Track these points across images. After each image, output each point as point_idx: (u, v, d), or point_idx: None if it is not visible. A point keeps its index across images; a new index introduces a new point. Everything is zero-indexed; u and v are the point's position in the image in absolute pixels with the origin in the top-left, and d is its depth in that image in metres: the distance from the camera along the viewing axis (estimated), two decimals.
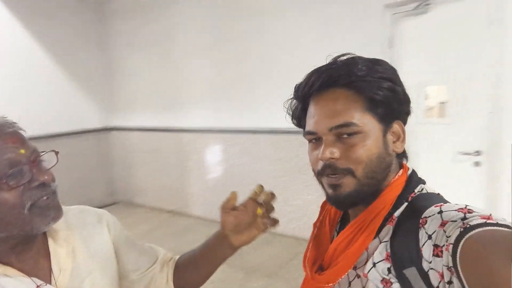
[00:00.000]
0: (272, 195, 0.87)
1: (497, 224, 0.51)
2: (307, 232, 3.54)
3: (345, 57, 0.69)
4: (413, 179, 0.70)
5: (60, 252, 0.74)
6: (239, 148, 3.85)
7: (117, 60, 4.90)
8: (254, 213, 0.86)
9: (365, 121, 0.65)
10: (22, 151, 0.66)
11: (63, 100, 4.53)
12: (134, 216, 4.51)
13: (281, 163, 3.61)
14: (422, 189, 0.68)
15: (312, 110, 0.69)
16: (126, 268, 0.87)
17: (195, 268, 0.92)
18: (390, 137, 0.68)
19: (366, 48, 2.95)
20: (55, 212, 0.69)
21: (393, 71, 0.68)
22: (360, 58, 0.68)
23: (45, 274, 0.70)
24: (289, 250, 3.34)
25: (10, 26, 4.03)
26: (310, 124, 0.69)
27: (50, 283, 0.70)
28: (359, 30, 3.00)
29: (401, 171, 0.70)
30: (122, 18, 4.74)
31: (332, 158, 0.65)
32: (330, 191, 0.68)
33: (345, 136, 0.65)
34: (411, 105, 0.71)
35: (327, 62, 0.70)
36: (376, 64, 0.67)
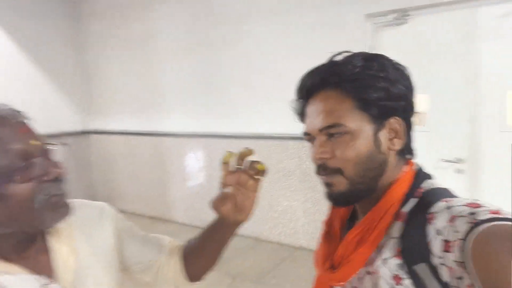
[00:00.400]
0: (248, 151, 0.77)
1: (506, 219, 0.51)
2: (292, 237, 3.54)
3: (343, 55, 0.70)
4: (420, 175, 0.69)
5: (62, 250, 0.71)
6: (221, 152, 3.80)
7: (95, 61, 4.76)
8: (243, 183, 0.76)
9: (354, 120, 0.65)
10: (33, 142, 0.63)
11: (39, 101, 4.36)
12: None
13: None
14: (431, 184, 0.68)
15: (307, 111, 0.71)
16: (129, 260, 0.84)
17: (204, 252, 0.89)
18: (384, 135, 0.67)
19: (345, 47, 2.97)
20: (65, 209, 0.67)
21: (392, 67, 0.67)
22: (357, 55, 0.68)
23: (47, 272, 0.68)
24: (275, 255, 3.31)
25: None
26: (305, 125, 0.71)
27: (51, 281, 0.67)
28: (339, 38, 3.01)
29: (406, 167, 0.70)
30: (99, 18, 4.62)
31: (323, 158, 0.67)
32: (325, 189, 0.70)
33: (335, 136, 0.66)
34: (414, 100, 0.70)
35: (326, 61, 0.71)
36: (372, 61, 0.66)
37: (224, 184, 0.77)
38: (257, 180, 0.76)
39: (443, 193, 0.64)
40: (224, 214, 0.77)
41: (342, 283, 0.70)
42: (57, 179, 0.65)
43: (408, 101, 0.68)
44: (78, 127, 4.84)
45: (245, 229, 3.82)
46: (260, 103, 3.46)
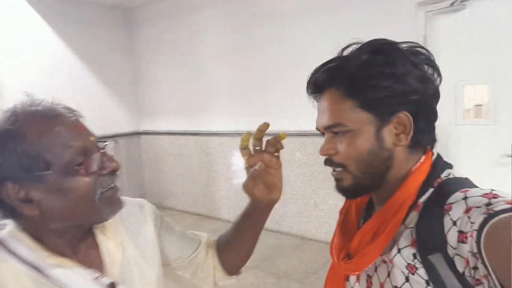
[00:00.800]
0: (265, 126, 0.79)
1: None
2: None
3: (350, 49, 0.69)
4: (439, 165, 0.68)
5: (109, 244, 0.73)
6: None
7: (145, 65, 4.99)
8: (267, 162, 0.78)
9: (355, 120, 0.65)
10: (92, 138, 0.66)
11: (96, 105, 4.65)
12: None
13: (308, 166, 3.54)
14: (449, 174, 0.67)
15: (318, 106, 0.73)
16: (169, 256, 0.85)
17: (241, 242, 0.89)
18: (390, 131, 0.66)
19: None
20: (119, 202, 0.69)
21: (402, 58, 0.64)
22: (364, 48, 0.67)
23: (98, 266, 0.70)
24: (321, 255, 3.25)
25: (45, 35, 4.19)
26: (316, 121, 0.73)
27: (102, 274, 0.69)
28: (389, 31, 2.87)
29: (423, 157, 0.69)
30: (148, 25, 4.82)
31: (328, 154, 0.69)
32: (335, 182, 0.72)
33: (339, 134, 0.68)
34: (428, 94, 0.67)
35: (334, 56, 0.71)
36: (378, 54, 0.65)
37: (249, 166, 0.80)
38: (278, 157, 0.79)
39: (461, 183, 0.63)
40: (258, 195, 0.80)
41: (357, 272, 0.71)
42: (113, 172, 0.68)
43: (422, 93, 0.65)
44: (130, 129, 5.09)
45: (290, 227, 3.82)
46: (305, 101, 3.40)
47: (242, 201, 4.54)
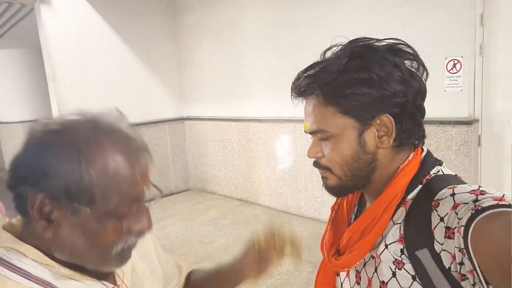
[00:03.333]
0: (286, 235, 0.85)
1: (509, 206, 0.51)
2: None
3: (329, 53, 0.70)
4: (428, 161, 0.69)
5: None
6: (308, 137, 3.75)
7: (188, 52, 5.07)
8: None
9: (336, 125, 0.66)
10: (146, 189, 0.60)
11: (142, 92, 4.84)
12: (205, 203, 4.68)
13: None
14: (438, 171, 0.67)
15: (304, 109, 0.73)
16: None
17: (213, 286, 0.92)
18: (372, 134, 0.66)
19: (452, 26, 2.65)
20: (129, 258, 0.63)
21: (381, 61, 0.63)
22: (343, 53, 0.67)
23: (109, 278, 0.66)
24: None
25: (96, 24, 4.39)
26: (303, 124, 0.74)
27: (116, 286, 0.66)
28: (442, 8, 2.69)
29: (411, 155, 0.69)
30: (191, 11, 4.87)
31: (315, 157, 0.72)
32: (322, 181, 0.74)
33: (323, 138, 0.69)
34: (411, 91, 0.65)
35: (314, 61, 0.72)
36: (356, 59, 0.64)
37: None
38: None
39: (450, 180, 0.64)
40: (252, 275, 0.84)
41: (346, 269, 0.74)
42: (141, 235, 0.62)
43: (403, 95, 0.64)
44: (175, 114, 5.24)
45: (327, 214, 3.73)
46: None
47: (282, 188, 4.56)
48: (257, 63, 4.18)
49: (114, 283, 0.66)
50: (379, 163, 0.68)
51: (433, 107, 2.85)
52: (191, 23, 4.92)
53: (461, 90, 2.71)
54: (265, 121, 4.17)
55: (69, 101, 4.17)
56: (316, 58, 0.73)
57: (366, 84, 0.63)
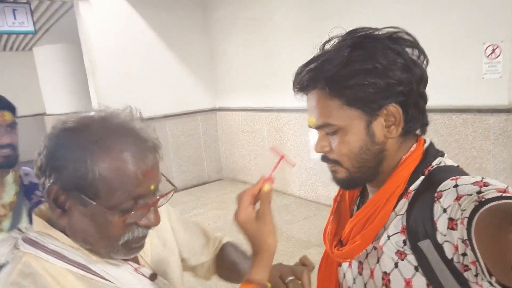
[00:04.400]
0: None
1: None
2: None
3: (329, 45, 0.69)
4: (430, 152, 0.68)
5: None
6: None
7: (220, 44, 5.13)
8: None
9: (343, 118, 0.65)
10: (152, 187, 0.62)
11: (176, 84, 4.97)
12: (237, 192, 4.70)
13: None
14: (440, 162, 0.67)
15: (307, 103, 0.72)
16: (193, 251, 0.91)
17: (233, 272, 0.93)
18: (380, 124, 0.66)
19: (491, 9, 2.52)
20: (139, 249, 0.66)
21: (384, 50, 0.63)
22: (344, 43, 0.66)
23: (133, 259, 0.70)
24: None
25: (132, 19, 4.54)
26: (308, 118, 0.73)
27: (140, 265, 0.71)
28: None
29: (414, 145, 0.69)
30: (222, 5, 4.92)
31: (323, 151, 0.71)
32: (330, 174, 0.74)
33: (330, 132, 0.68)
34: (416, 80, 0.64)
35: (314, 55, 0.71)
36: (359, 49, 0.64)
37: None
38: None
39: (452, 171, 0.64)
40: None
41: (348, 259, 0.74)
42: (149, 227, 0.65)
43: (408, 83, 0.63)
44: (207, 105, 5.35)
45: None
46: None
47: (313, 179, 4.57)
48: (287, 55, 4.17)
49: (138, 263, 0.71)
50: (387, 153, 0.68)
51: (469, 95, 2.74)
52: (222, 16, 4.97)
53: (500, 77, 2.59)
54: (295, 111, 4.18)
55: (108, 93, 4.37)
56: (313, 51, 0.73)
57: (371, 74, 0.62)
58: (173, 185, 0.67)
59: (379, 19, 3.19)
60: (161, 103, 4.80)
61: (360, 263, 0.74)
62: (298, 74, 0.72)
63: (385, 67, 0.62)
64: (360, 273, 0.73)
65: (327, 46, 0.71)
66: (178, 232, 0.89)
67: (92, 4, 4.22)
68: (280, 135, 4.46)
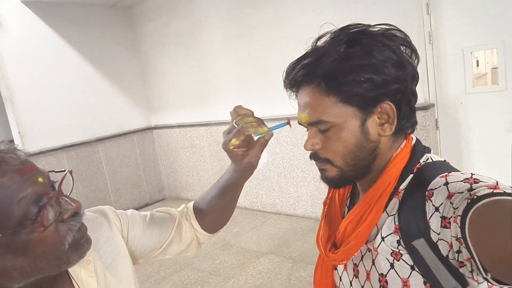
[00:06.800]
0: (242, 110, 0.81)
1: (504, 194, 0.51)
2: None
3: (322, 40, 0.67)
4: (417, 150, 0.69)
5: (81, 274, 0.67)
6: (275, 137, 3.82)
7: (150, 61, 5.01)
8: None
9: (338, 115, 0.64)
10: (40, 179, 0.56)
11: (108, 105, 4.73)
12: None
13: None
14: (428, 159, 0.67)
15: (298, 100, 0.71)
16: (144, 251, 0.84)
17: (222, 205, 0.91)
18: (374, 122, 0.65)
19: (402, 16, 2.79)
20: (88, 243, 0.62)
21: (379, 45, 0.63)
22: (339, 39, 0.64)
23: None
24: None
25: (50, 40, 4.25)
26: (298, 115, 0.71)
27: None
28: (391, 1, 2.83)
29: (403, 143, 0.69)
30: (149, 20, 4.82)
31: (314, 149, 0.69)
32: (319, 173, 0.72)
33: (323, 129, 0.67)
34: (409, 78, 0.65)
35: (307, 50, 0.69)
36: (354, 45, 0.63)
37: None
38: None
39: (440, 167, 0.64)
40: (236, 158, 0.82)
41: (344, 262, 0.72)
42: (76, 213, 0.59)
43: (402, 81, 0.64)
44: (143, 124, 5.16)
45: (305, 210, 3.82)
46: None
47: (257, 188, 4.58)
48: (220, 66, 4.20)
49: None
50: (380, 151, 0.67)
51: None
52: (151, 31, 4.87)
53: None
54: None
55: (30, 121, 4.02)
56: (304, 45, 0.71)
57: (368, 70, 0.61)
58: (68, 170, 0.63)
59: (306, 28, 3.36)
60: (92, 126, 4.54)
61: (356, 265, 0.73)
62: (290, 70, 0.70)
63: (382, 64, 0.62)
64: (356, 276, 0.73)
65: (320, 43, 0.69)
66: (135, 237, 0.82)
67: (5, 27, 3.89)
68: (221, 148, 4.44)
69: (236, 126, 0.78)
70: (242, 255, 3.21)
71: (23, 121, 4.00)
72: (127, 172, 4.90)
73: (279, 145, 3.84)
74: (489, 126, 2.71)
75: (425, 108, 2.85)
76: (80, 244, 0.60)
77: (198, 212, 0.91)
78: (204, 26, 4.23)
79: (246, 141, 0.81)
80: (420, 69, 2.80)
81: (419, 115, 2.86)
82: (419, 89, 2.86)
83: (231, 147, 0.78)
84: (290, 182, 3.82)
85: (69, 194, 0.60)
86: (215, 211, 0.91)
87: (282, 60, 3.96)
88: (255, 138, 0.78)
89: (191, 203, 0.94)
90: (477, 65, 2.78)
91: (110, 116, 4.76)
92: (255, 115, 0.82)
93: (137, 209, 4.91)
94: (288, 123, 0.72)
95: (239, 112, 0.80)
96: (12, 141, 2.59)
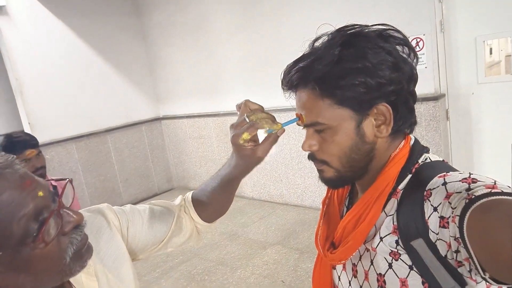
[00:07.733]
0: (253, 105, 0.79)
1: (502, 193, 0.51)
2: None
3: (319, 42, 0.68)
4: (416, 150, 0.69)
5: (82, 279, 0.66)
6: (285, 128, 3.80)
7: (158, 51, 5.00)
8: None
9: (333, 117, 0.65)
10: (40, 193, 0.54)
11: (116, 95, 4.75)
12: None
13: None
14: (426, 159, 0.68)
15: (295, 100, 0.72)
16: (144, 247, 0.84)
17: (222, 198, 0.91)
18: (370, 123, 0.65)
19: (412, 4, 2.73)
20: (89, 251, 0.61)
21: (374, 48, 0.62)
22: (334, 42, 0.64)
23: None
24: None
25: (59, 30, 4.26)
26: (296, 116, 0.72)
27: None
28: None
29: (402, 142, 0.69)
30: (157, 9, 4.80)
31: (311, 150, 0.70)
32: (318, 173, 0.73)
33: (319, 131, 0.67)
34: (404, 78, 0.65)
35: (303, 53, 0.69)
36: (349, 47, 0.63)
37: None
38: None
39: (438, 167, 0.64)
40: (243, 153, 0.79)
41: (342, 261, 0.73)
42: (78, 226, 0.58)
43: (398, 83, 0.63)
44: (151, 115, 5.18)
45: (312, 201, 3.81)
46: None
47: (264, 178, 4.59)
48: (228, 56, 4.18)
49: None
50: (377, 152, 0.68)
51: None
52: (158, 21, 4.85)
53: (425, 67, 2.82)
54: None
55: (40, 112, 4.06)
56: (301, 48, 0.71)
57: (362, 73, 0.61)
58: (68, 179, 0.62)
59: (315, 18, 3.32)
60: (101, 117, 4.57)
61: (354, 265, 0.73)
62: (287, 73, 0.70)
63: (376, 66, 0.62)
64: (355, 276, 0.73)
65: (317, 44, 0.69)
66: (135, 234, 0.82)
67: (13, 19, 3.90)
68: (229, 139, 4.44)
69: (247, 120, 0.75)
70: (249, 245, 3.23)
71: (33, 111, 4.04)
72: (136, 163, 4.94)
73: (286, 136, 3.82)
74: (501, 117, 2.66)
75: (435, 98, 2.80)
76: (82, 254, 0.59)
77: (198, 204, 0.92)
78: (212, 16, 4.20)
79: (254, 136, 0.79)
80: (431, 58, 2.77)
81: (429, 105, 2.83)
82: (430, 79, 2.82)
83: (242, 141, 0.76)
84: (298, 173, 3.81)
85: (72, 201, 0.57)
86: (215, 204, 0.92)
87: (290, 50, 3.95)
88: (265, 134, 0.77)
89: (189, 194, 0.94)
90: (490, 53, 2.72)
91: (118, 107, 4.78)
92: (264, 109, 0.81)
93: (145, 199, 4.99)
94: (300, 118, 0.71)
95: (250, 107, 0.79)
96: (23, 131, 2.64)
